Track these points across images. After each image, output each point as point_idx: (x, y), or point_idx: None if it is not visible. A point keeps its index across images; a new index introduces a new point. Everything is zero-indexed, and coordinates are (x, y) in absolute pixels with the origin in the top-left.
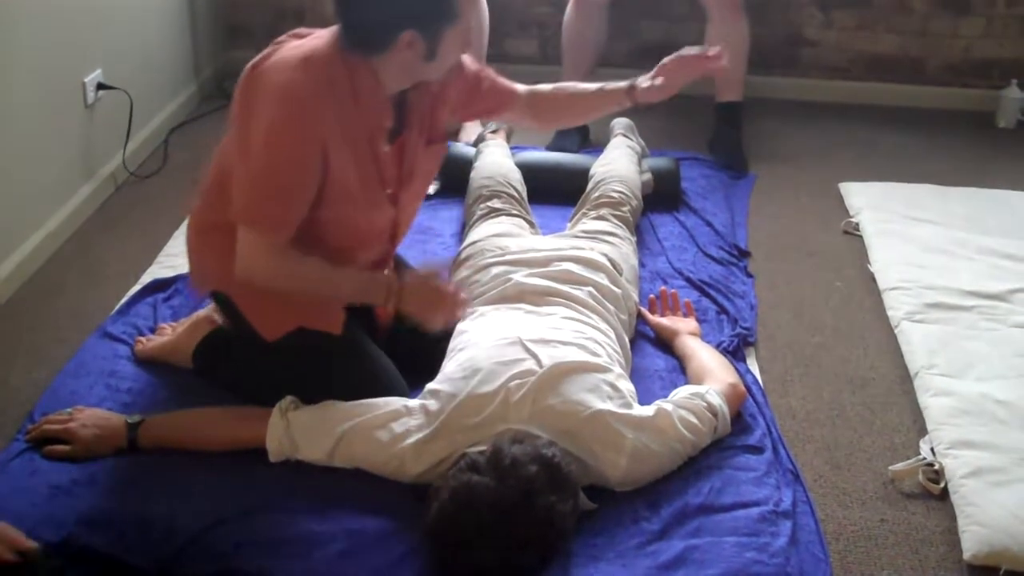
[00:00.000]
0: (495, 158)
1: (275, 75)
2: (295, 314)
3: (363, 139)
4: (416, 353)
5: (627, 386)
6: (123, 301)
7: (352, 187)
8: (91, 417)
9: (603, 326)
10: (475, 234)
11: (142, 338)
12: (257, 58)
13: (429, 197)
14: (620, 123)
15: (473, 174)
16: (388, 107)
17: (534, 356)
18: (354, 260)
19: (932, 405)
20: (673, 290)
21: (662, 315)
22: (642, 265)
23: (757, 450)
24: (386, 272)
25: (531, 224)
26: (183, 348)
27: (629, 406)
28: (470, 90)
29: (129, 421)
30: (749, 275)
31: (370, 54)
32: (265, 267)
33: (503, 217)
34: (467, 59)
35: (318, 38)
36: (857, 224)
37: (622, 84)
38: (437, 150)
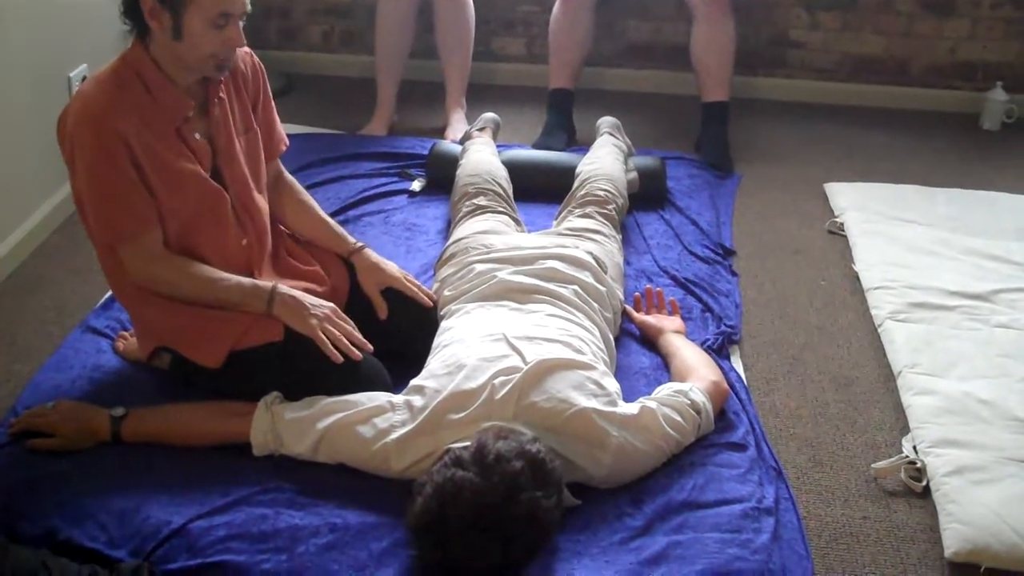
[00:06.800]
0: (481, 156)
1: (74, 104)
2: (225, 334)
3: (170, 130)
4: (400, 349)
5: (612, 384)
6: (107, 295)
7: (173, 175)
8: (74, 410)
9: (588, 324)
10: (460, 231)
11: (125, 333)
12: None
13: (414, 194)
14: (606, 122)
15: (459, 171)
16: (182, 97)
17: (519, 352)
18: (217, 259)
19: (915, 404)
20: (658, 288)
21: (647, 313)
22: (627, 263)
23: (740, 447)
24: (278, 285)
25: (517, 222)
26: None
27: (614, 404)
28: (255, 107)
29: (113, 415)
30: (734, 274)
31: (142, 37)
32: (153, 270)
33: (488, 215)
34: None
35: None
36: (842, 224)
37: (351, 241)
38: (252, 137)
